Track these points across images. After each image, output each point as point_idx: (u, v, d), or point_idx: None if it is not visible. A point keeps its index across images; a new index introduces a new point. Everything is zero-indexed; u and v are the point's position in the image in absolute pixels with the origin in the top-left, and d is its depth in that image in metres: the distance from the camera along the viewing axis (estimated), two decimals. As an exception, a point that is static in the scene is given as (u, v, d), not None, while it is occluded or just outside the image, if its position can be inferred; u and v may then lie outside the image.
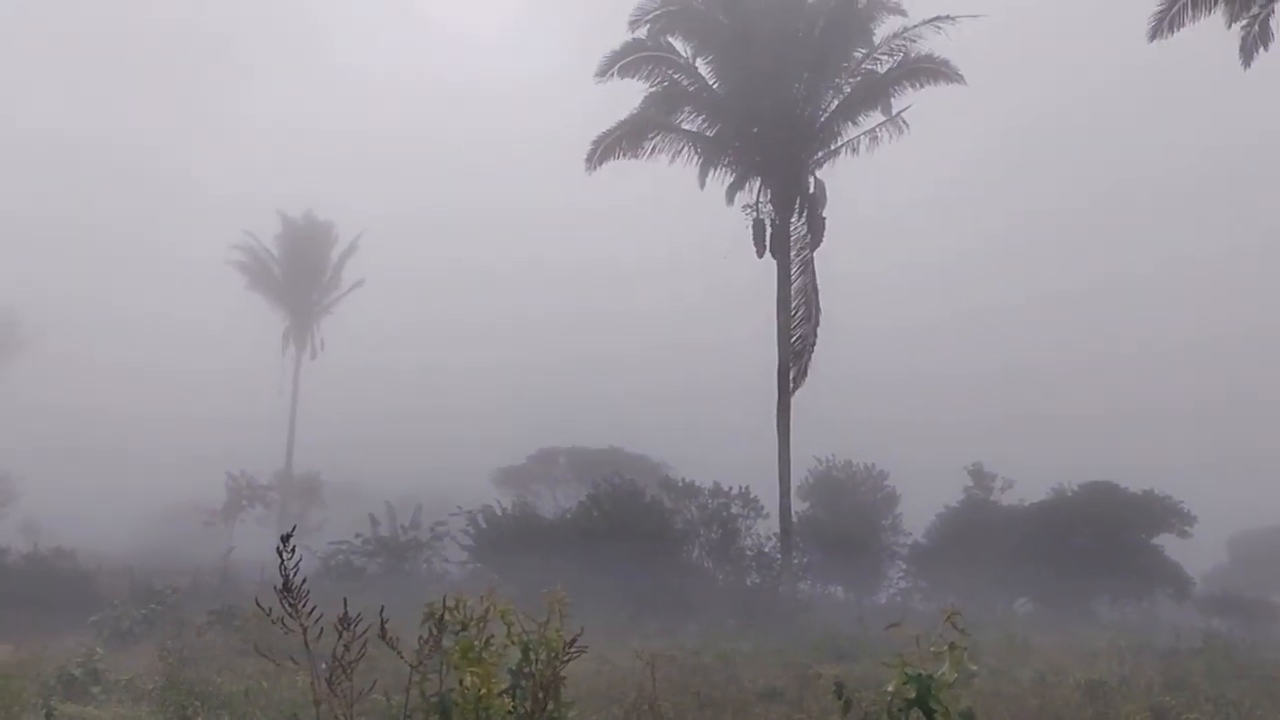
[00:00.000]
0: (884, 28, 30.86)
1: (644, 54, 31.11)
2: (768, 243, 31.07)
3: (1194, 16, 23.30)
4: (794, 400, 30.59)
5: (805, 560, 35.89)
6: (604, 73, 30.95)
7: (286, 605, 5.19)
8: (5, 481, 61.65)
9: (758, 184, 31.96)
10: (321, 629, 5.16)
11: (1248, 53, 23.40)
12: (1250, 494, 56.73)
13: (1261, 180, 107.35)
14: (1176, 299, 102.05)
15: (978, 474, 41.03)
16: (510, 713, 5.79)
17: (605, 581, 27.36)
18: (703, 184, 32.75)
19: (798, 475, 36.32)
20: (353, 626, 5.30)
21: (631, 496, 33.07)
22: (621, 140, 31.41)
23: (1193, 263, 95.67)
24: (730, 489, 33.55)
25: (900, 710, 5.58)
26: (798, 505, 36.25)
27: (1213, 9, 23.04)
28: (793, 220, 31.45)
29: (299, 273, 59.68)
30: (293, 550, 5.13)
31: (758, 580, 31.52)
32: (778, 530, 30.89)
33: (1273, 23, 22.94)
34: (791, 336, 30.68)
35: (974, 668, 6.01)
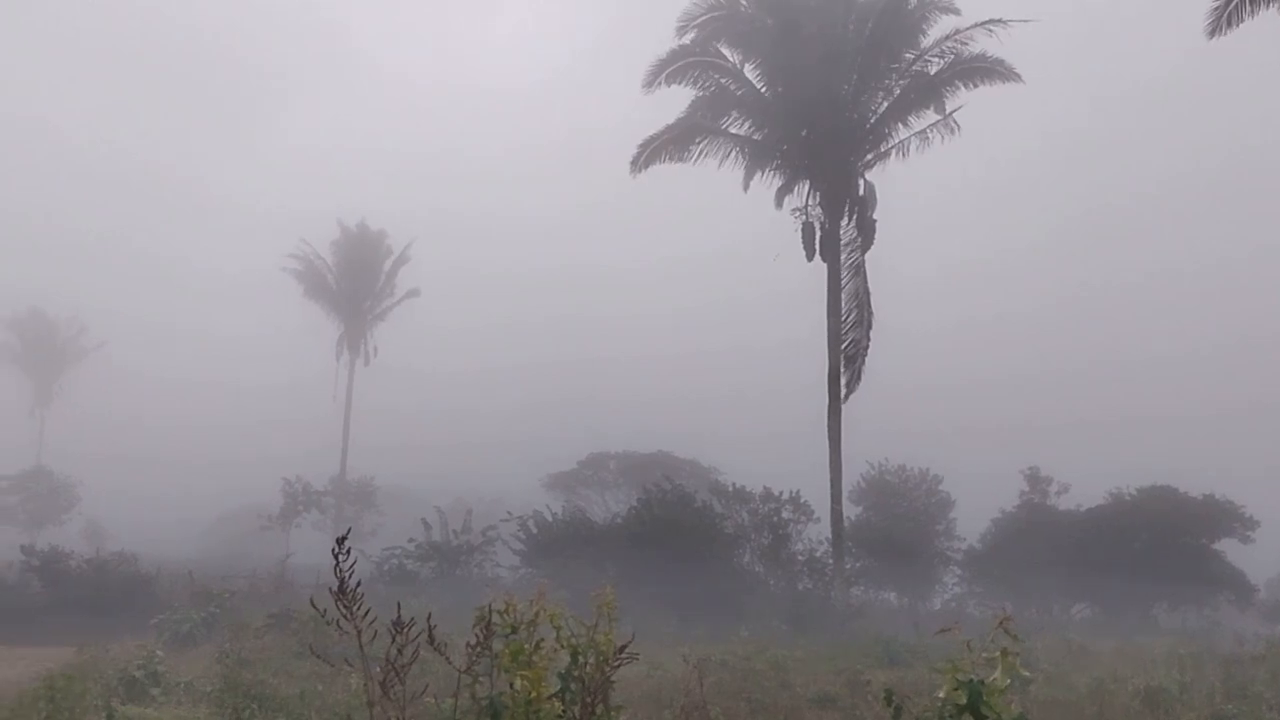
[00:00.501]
0: (935, 29, 30.58)
1: (691, 59, 31.03)
2: (817, 246, 30.87)
3: (1252, 11, 22.73)
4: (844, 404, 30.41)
5: (858, 565, 35.65)
6: (651, 82, 30.87)
7: (341, 608, 5.26)
8: (69, 488, 63.19)
9: (806, 187, 31.74)
10: (375, 632, 5.22)
11: None
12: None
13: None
14: (1245, 295, 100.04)
15: (1034, 478, 40.49)
16: (560, 716, 5.83)
17: (656, 586, 27.35)
18: (746, 187, 32.63)
19: (850, 479, 36.10)
20: (406, 630, 5.37)
21: (682, 501, 32.95)
22: (669, 144, 31.41)
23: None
24: (781, 493, 33.36)
25: (952, 716, 5.53)
26: (850, 510, 36.02)
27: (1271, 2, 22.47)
28: (842, 223, 31.26)
29: (354, 280, 60.45)
30: (348, 553, 5.18)
31: (809, 585, 31.30)
32: (829, 535, 30.70)
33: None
34: (843, 341, 30.43)
35: (1028, 674, 5.94)
